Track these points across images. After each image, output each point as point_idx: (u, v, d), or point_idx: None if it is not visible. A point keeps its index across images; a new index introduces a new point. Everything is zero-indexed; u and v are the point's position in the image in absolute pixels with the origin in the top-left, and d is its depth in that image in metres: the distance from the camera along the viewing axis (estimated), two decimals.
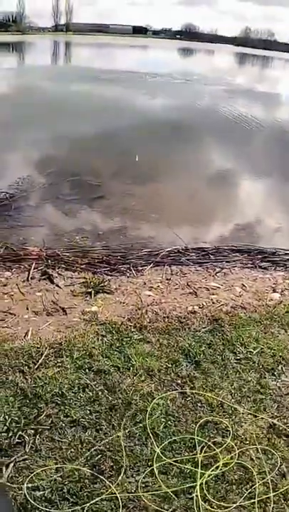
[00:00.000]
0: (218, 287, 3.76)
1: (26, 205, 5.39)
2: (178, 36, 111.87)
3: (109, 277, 3.93)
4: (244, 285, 3.81)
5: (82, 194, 5.78)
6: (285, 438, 2.32)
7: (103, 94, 14.28)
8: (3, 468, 2.16)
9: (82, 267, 4.10)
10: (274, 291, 3.74)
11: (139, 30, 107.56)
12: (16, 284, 3.73)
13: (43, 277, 3.89)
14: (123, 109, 11.65)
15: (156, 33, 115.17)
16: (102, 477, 2.12)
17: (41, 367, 2.72)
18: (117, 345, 2.92)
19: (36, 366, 2.72)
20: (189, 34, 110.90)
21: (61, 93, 13.65)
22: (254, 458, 2.20)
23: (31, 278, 3.86)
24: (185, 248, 4.50)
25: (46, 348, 2.87)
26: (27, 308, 3.40)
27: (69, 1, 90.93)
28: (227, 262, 4.29)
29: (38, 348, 2.88)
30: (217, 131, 10.26)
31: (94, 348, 2.88)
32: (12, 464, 2.18)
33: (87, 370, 2.72)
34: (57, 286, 3.75)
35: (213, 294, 3.64)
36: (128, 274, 4.00)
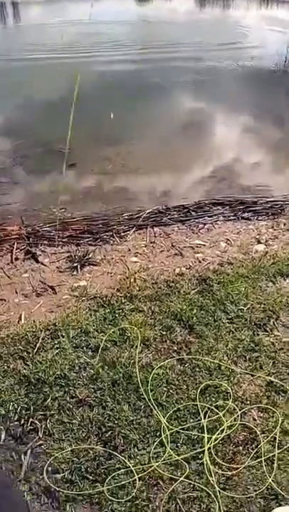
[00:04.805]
0: (203, 245, 3.78)
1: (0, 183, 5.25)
2: None
3: (93, 247, 3.92)
4: (228, 240, 3.84)
5: (54, 164, 5.61)
6: (283, 394, 2.43)
7: None
8: (22, 455, 2.25)
9: (64, 240, 4.08)
10: (258, 242, 3.78)
11: None
12: (1, 268, 3.69)
13: (27, 257, 3.85)
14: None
15: None
16: (115, 453, 2.21)
17: (40, 351, 2.76)
18: (111, 318, 2.96)
19: (35, 351, 2.76)
20: None
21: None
22: (256, 417, 2.32)
23: (15, 259, 3.82)
24: (166, 207, 4.48)
25: (42, 331, 2.90)
26: (16, 292, 3.40)
27: None
28: (209, 216, 4.29)
29: (33, 331, 2.91)
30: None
31: (88, 324, 2.92)
32: (29, 451, 2.26)
33: (84, 348, 2.77)
34: (42, 264, 3.73)
35: (198, 253, 3.67)
36: (112, 242, 3.99)
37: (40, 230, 4.26)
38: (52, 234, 4.19)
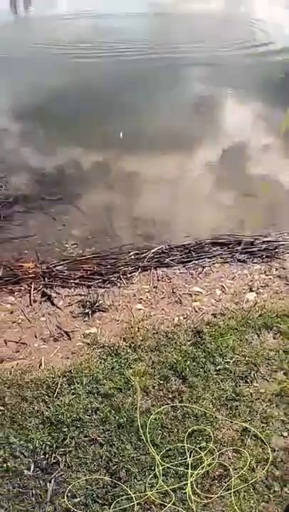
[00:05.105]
0: (201, 292, 4.80)
1: (14, 212, 6.27)
2: None
3: (103, 290, 4.95)
4: (223, 287, 4.86)
5: (65, 191, 6.64)
6: (254, 438, 3.47)
7: None
8: (48, 483, 3.31)
9: (76, 281, 5.12)
10: (250, 289, 4.80)
11: None
12: (22, 310, 4.75)
13: (43, 299, 4.91)
14: None
15: None
16: (119, 483, 3.27)
17: (59, 395, 3.82)
18: (117, 367, 4.01)
19: (55, 395, 3.81)
20: None
21: None
22: (231, 457, 3.36)
23: (34, 301, 4.88)
24: (169, 247, 5.48)
25: (60, 377, 3.95)
26: (36, 336, 4.46)
27: None
28: (208, 257, 5.29)
29: (52, 377, 3.96)
30: None
31: (98, 372, 3.97)
32: (53, 480, 3.32)
33: (96, 394, 3.81)
34: (57, 307, 4.78)
35: (195, 301, 4.70)
36: (119, 285, 5.02)
37: (54, 269, 5.31)
38: (65, 274, 5.24)
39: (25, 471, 3.36)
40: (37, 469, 3.39)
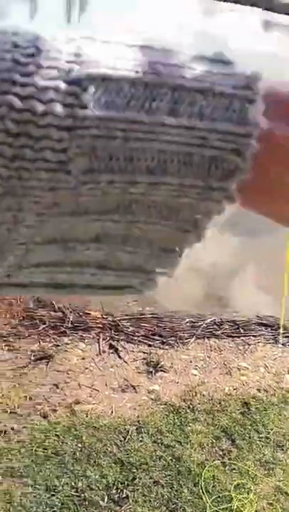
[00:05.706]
0: (247, 368, 6.14)
1: None
2: None
3: (162, 351, 6.30)
4: (266, 366, 6.20)
5: None
6: (286, 495, 4.78)
7: None
8: None
9: (140, 339, 6.47)
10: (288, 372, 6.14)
11: None
12: (92, 358, 6.09)
13: (111, 351, 6.25)
14: None
15: None
16: None
17: (129, 441, 5.13)
18: (178, 423, 5.33)
19: (125, 440, 5.13)
20: None
21: None
22: (265, 508, 4.66)
23: (102, 352, 6.23)
24: (220, 321, 6.84)
25: (129, 426, 5.27)
26: (106, 385, 5.78)
27: None
28: (254, 336, 6.64)
29: (123, 425, 5.27)
30: None
31: (162, 426, 5.28)
32: (123, 511, 4.62)
33: (160, 444, 5.13)
34: (124, 361, 6.12)
35: (243, 375, 6.03)
36: (176, 348, 6.37)
37: (120, 323, 6.65)
38: (129, 330, 6.58)
39: (100, 501, 4.64)
40: (110, 501, 4.64)
